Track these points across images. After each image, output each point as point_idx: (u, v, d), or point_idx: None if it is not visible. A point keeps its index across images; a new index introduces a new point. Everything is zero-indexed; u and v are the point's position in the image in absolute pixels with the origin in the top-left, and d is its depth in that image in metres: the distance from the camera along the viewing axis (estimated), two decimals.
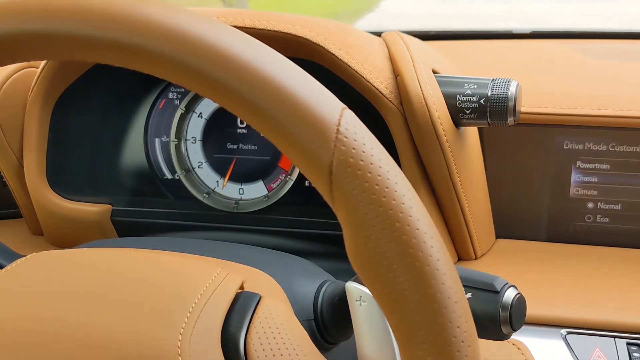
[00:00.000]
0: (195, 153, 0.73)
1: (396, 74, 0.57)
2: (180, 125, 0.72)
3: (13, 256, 0.56)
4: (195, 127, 0.72)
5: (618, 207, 0.71)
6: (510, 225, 0.73)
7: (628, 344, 0.57)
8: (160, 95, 0.73)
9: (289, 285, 0.49)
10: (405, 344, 0.31)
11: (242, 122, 0.71)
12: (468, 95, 0.54)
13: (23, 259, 0.46)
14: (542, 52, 0.93)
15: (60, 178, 0.69)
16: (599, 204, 0.71)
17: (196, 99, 0.71)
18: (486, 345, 0.55)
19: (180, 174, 0.72)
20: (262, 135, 0.33)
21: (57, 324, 0.37)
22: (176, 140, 0.72)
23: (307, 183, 0.71)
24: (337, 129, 0.31)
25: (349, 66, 0.55)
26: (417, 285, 0.30)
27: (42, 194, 0.67)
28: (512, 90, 0.54)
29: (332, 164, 0.31)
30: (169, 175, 0.73)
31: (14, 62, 0.34)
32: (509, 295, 0.42)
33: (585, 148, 0.71)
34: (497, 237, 0.73)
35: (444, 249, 0.32)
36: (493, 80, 0.55)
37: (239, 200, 0.72)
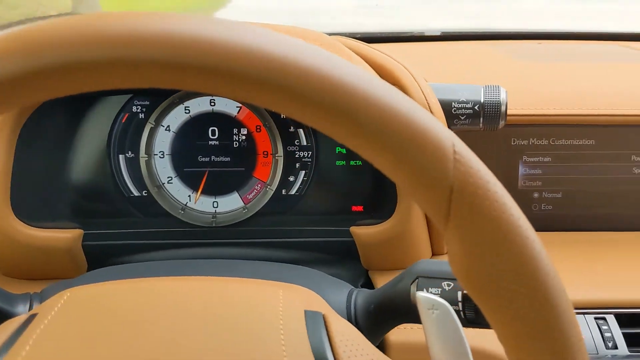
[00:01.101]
0: (163, 168, 0.70)
1: (391, 84, 0.59)
2: (148, 140, 0.69)
3: (5, 296, 0.51)
4: (163, 141, 0.69)
5: (559, 195, 0.79)
6: None
7: (595, 318, 0.65)
8: (122, 109, 0.69)
9: (323, 298, 0.50)
10: (522, 352, 0.33)
11: (213, 134, 0.70)
12: (463, 102, 0.58)
13: (58, 298, 0.42)
14: (467, 53, 1.01)
15: (26, 206, 0.63)
16: (543, 193, 0.79)
17: (165, 112, 0.69)
18: (484, 334, 0.60)
19: (152, 191, 0.69)
20: (368, 160, 0.33)
21: None
22: (146, 156, 0.69)
23: (283, 192, 0.71)
24: (454, 149, 0.33)
25: None
26: (536, 295, 0.33)
27: (8, 223, 0.61)
28: (503, 96, 0.59)
29: (452, 185, 0.33)
30: (136, 193, 0.70)
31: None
32: None
33: (530, 143, 0.78)
34: None
35: (550, 258, 0.35)
36: (484, 87, 0.59)
37: (215, 213, 0.70)
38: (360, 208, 0.71)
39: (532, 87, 0.81)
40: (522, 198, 0.79)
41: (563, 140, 0.78)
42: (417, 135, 0.33)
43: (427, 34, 1.14)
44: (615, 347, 0.63)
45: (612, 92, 0.80)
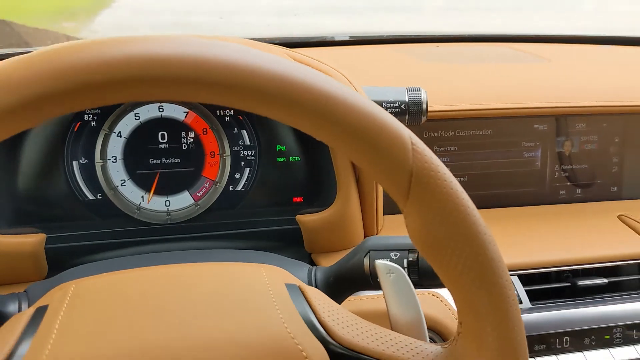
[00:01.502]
0: (117, 172, 0.74)
1: None
2: (103, 146, 0.73)
3: None
4: (115, 146, 0.74)
5: (465, 178, 0.92)
6: (390, 203, 0.90)
7: None
8: (74, 118, 0.73)
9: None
10: (468, 296, 0.43)
11: (163, 138, 0.75)
12: (391, 102, 0.67)
13: (64, 291, 0.47)
14: (375, 56, 1.11)
15: None
16: None
17: (117, 119, 0.73)
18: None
19: (108, 194, 0.74)
20: (344, 153, 0.42)
21: (176, 337, 0.41)
22: (101, 161, 0.73)
23: (230, 188, 0.78)
24: (411, 141, 0.42)
25: None
26: (479, 251, 0.43)
27: None
28: (423, 96, 0.70)
29: (412, 168, 0.42)
30: (91, 197, 0.74)
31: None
32: None
33: (439, 135, 0.90)
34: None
35: (485, 223, 0.45)
36: (407, 88, 0.70)
37: (168, 211, 0.76)
38: (300, 199, 0.79)
39: (438, 86, 0.93)
40: None
41: (466, 132, 0.91)
42: (384, 132, 0.42)
43: (337, 38, 1.24)
44: (520, 302, 0.76)
45: (503, 88, 0.94)
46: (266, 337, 0.42)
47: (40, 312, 0.46)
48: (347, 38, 1.25)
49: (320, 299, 0.50)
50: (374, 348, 0.45)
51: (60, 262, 0.71)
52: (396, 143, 0.42)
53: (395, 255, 0.57)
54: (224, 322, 0.43)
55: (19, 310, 0.55)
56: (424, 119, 0.71)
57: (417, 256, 0.56)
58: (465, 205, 0.43)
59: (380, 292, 0.61)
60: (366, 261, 0.57)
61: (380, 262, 0.52)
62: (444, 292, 0.72)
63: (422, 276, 0.56)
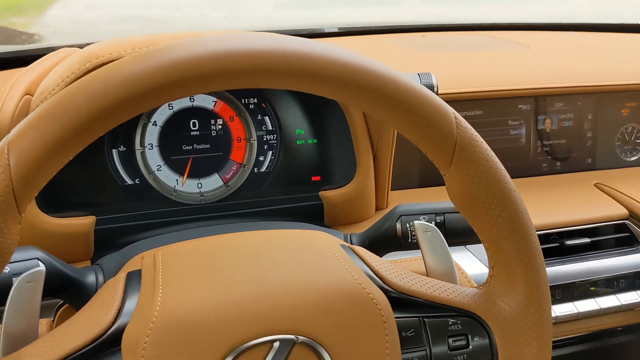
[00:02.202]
0: (153, 158, 0.81)
1: None
2: (142, 135, 0.80)
3: (66, 266, 0.60)
4: (152, 134, 0.80)
5: None
6: (393, 179, 0.99)
7: None
8: None
9: None
10: (498, 243, 0.52)
11: (194, 126, 0.82)
12: None
13: (152, 257, 0.54)
14: (366, 46, 1.20)
15: (44, 199, 0.72)
16: None
17: (154, 109, 0.80)
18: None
19: (147, 178, 0.80)
20: (397, 129, 0.50)
21: (266, 286, 0.49)
22: (141, 148, 0.79)
23: (255, 170, 0.85)
24: (455, 116, 0.51)
25: None
26: (510, 204, 0.52)
27: (34, 215, 0.69)
28: (434, 80, 0.79)
29: (456, 139, 0.50)
30: (129, 181, 0.80)
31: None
32: None
33: None
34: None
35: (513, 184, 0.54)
36: (419, 74, 0.78)
37: (201, 192, 0.83)
38: (318, 178, 0.87)
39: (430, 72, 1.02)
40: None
41: (459, 113, 1.00)
42: (434, 110, 0.50)
43: (326, 30, 1.31)
44: None
45: (490, 73, 1.04)
46: (340, 285, 0.50)
47: (134, 275, 0.53)
48: (336, 29, 1.32)
49: (369, 255, 0.58)
50: (423, 291, 0.54)
51: (104, 242, 0.77)
52: (444, 119, 0.50)
53: (424, 218, 0.66)
54: (303, 273, 0.51)
55: (97, 280, 0.61)
56: None
57: (444, 218, 0.65)
58: (499, 169, 0.52)
59: (410, 256, 0.69)
60: (398, 225, 0.66)
61: (418, 223, 0.60)
62: (455, 255, 0.81)
63: (448, 235, 0.65)
